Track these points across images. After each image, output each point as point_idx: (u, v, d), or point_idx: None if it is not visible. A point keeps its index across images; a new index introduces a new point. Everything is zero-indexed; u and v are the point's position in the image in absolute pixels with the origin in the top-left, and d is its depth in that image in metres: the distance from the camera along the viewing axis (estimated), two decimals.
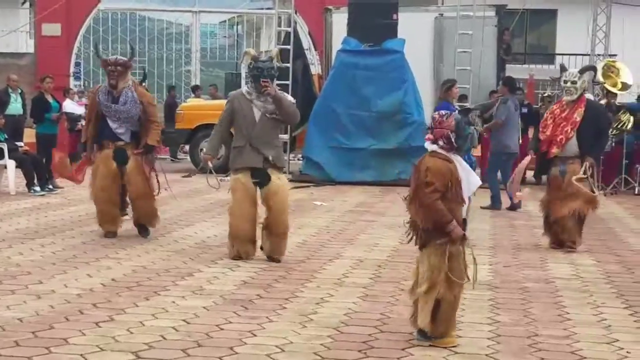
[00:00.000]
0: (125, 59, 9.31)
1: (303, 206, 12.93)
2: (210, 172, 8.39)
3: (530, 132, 17.83)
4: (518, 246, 9.65)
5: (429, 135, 5.47)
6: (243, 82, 27.97)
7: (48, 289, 6.66)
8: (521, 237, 10.41)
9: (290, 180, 16.58)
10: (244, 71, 28.83)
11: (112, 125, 9.14)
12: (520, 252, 9.26)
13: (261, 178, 8.02)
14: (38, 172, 13.34)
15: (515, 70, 24.17)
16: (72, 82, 22.77)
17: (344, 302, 6.56)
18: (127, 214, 10.52)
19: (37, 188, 13.15)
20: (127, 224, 10.21)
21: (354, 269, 7.96)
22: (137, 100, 9.13)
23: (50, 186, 13.34)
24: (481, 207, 12.51)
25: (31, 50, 24.26)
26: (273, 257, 8.12)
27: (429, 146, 5.46)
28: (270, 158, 8.04)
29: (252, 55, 8.26)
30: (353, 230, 10.50)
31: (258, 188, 8.08)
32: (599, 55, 21.37)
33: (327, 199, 13.86)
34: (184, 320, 5.86)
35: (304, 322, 5.93)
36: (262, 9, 28.21)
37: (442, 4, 25.17)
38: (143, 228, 9.42)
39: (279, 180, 8.10)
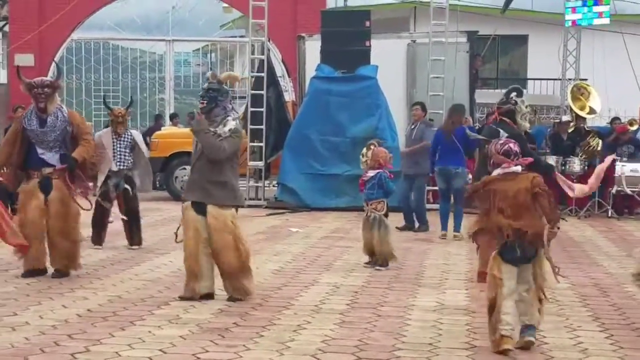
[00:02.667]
0: (51, 79, 8.74)
1: (278, 233, 12.92)
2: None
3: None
4: None
5: (516, 161, 6.14)
6: None
7: (22, 321, 6.60)
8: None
9: (266, 207, 16.67)
10: None
11: (39, 150, 8.50)
12: None
13: (201, 213, 7.49)
14: (12, 202, 13.22)
15: (487, 95, 24.40)
16: None
17: (321, 329, 6.55)
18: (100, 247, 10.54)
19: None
20: (100, 254, 10.17)
21: (331, 296, 7.96)
22: (67, 120, 8.55)
23: None
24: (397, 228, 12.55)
25: (4, 80, 24.20)
26: (231, 297, 7.56)
27: (517, 169, 6.15)
28: (210, 195, 7.46)
29: (207, 76, 7.88)
30: (329, 256, 10.50)
31: None
32: (569, 79, 21.65)
33: (302, 226, 13.85)
34: (160, 350, 5.82)
35: (282, 350, 5.91)
36: (235, 37, 28.30)
37: (415, 30, 25.38)
38: (57, 271, 8.55)
39: (215, 219, 7.43)
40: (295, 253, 10.75)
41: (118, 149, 10.89)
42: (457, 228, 12.43)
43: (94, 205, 10.84)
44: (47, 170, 8.50)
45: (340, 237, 12.48)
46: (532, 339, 6.00)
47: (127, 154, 10.92)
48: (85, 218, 9.45)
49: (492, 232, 6.07)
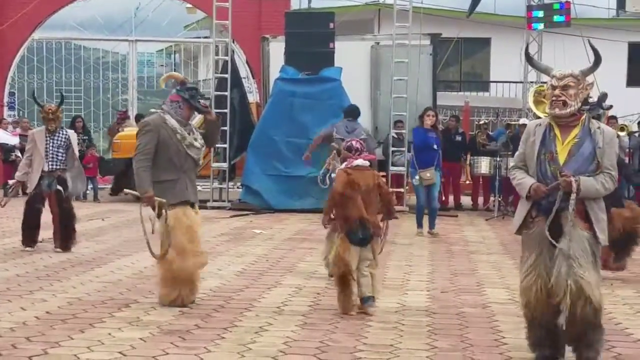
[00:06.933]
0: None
1: (242, 234, 12.89)
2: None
3: (465, 159, 18.17)
4: (455, 272, 9.74)
5: (358, 156, 7.28)
6: None
7: None
8: (458, 263, 10.51)
9: (229, 209, 16.62)
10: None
11: None
12: (457, 277, 9.35)
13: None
14: None
15: (450, 98, 24.51)
16: (6, 112, 22.45)
17: (283, 331, 6.54)
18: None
19: None
20: (60, 256, 10.08)
21: (293, 297, 7.95)
22: None
23: None
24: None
25: None
26: None
27: (362, 162, 7.27)
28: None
29: (181, 78, 7.70)
30: (292, 258, 10.49)
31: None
32: (531, 82, 21.82)
33: (266, 227, 13.84)
34: (120, 353, 5.77)
35: (243, 352, 5.90)
36: (199, 37, 28.16)
37: (379, 32, 25.47)
38: None
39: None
40: (258, 255, 10.73)
41: (51, 148, 10.47)
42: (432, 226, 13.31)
43: (24, 207, 10.67)
44: None
45: (303, 238, 12.48)
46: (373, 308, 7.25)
47: (60, 154, 10.51)
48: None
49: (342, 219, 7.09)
